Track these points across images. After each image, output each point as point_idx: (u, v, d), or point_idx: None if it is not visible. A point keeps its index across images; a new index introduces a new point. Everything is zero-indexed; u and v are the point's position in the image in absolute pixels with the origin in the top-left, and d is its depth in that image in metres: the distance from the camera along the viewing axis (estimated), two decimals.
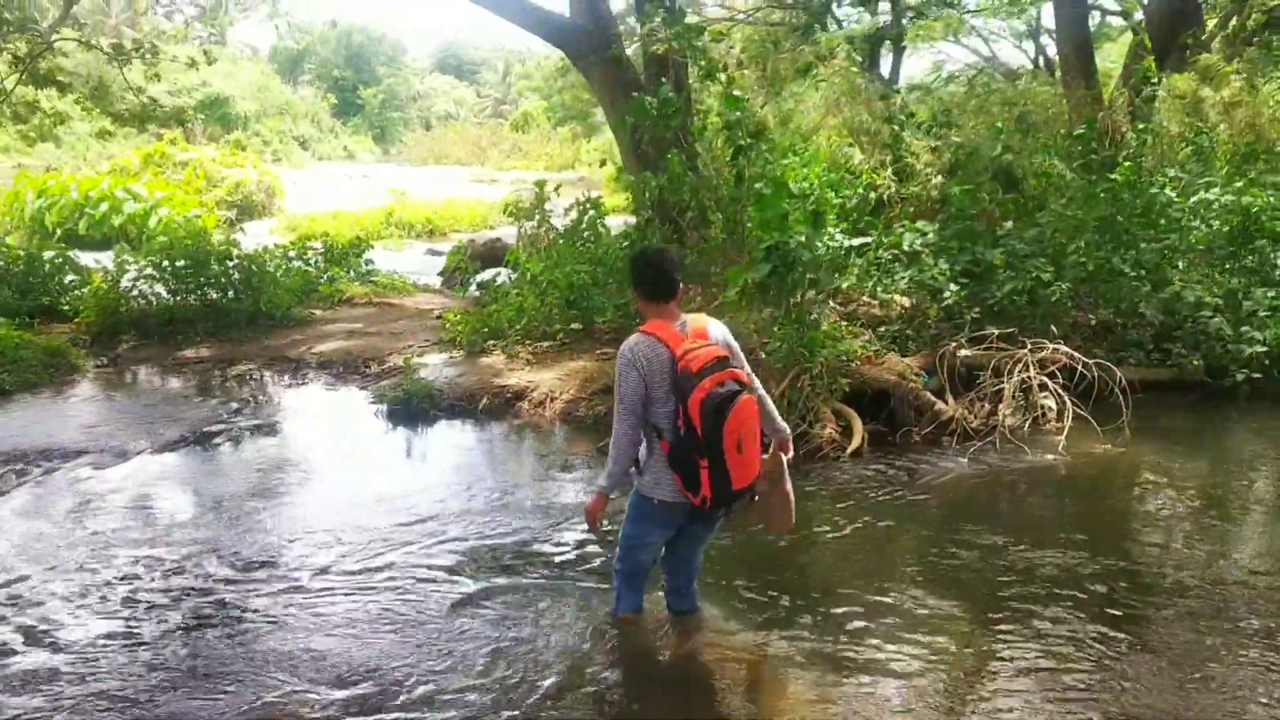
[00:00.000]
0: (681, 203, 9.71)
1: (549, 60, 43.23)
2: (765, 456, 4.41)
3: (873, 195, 11.36)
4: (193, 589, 5.19)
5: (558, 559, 5.57)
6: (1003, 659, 4.41)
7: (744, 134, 8.58)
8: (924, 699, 4.09)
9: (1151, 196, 9.86)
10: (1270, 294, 9.49)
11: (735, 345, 4.25)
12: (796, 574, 5.41)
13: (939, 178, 11.10)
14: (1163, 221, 9.82)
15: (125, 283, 11.74)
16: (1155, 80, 12.45)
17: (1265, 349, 8.85)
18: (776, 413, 4.43)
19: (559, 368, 9.32)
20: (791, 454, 4.47)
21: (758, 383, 4.35)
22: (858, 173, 11.52)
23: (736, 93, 8.93)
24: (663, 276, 4.10)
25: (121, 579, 5.30)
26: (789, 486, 4.45)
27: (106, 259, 12.48)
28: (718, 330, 4.20)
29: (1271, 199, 10.41)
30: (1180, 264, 9.69)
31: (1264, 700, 4.07)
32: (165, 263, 11.72)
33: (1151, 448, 7.63)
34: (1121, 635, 4.62)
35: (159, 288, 11.83)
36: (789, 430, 4.48)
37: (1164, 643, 4.57)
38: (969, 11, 22.65)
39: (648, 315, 4.14)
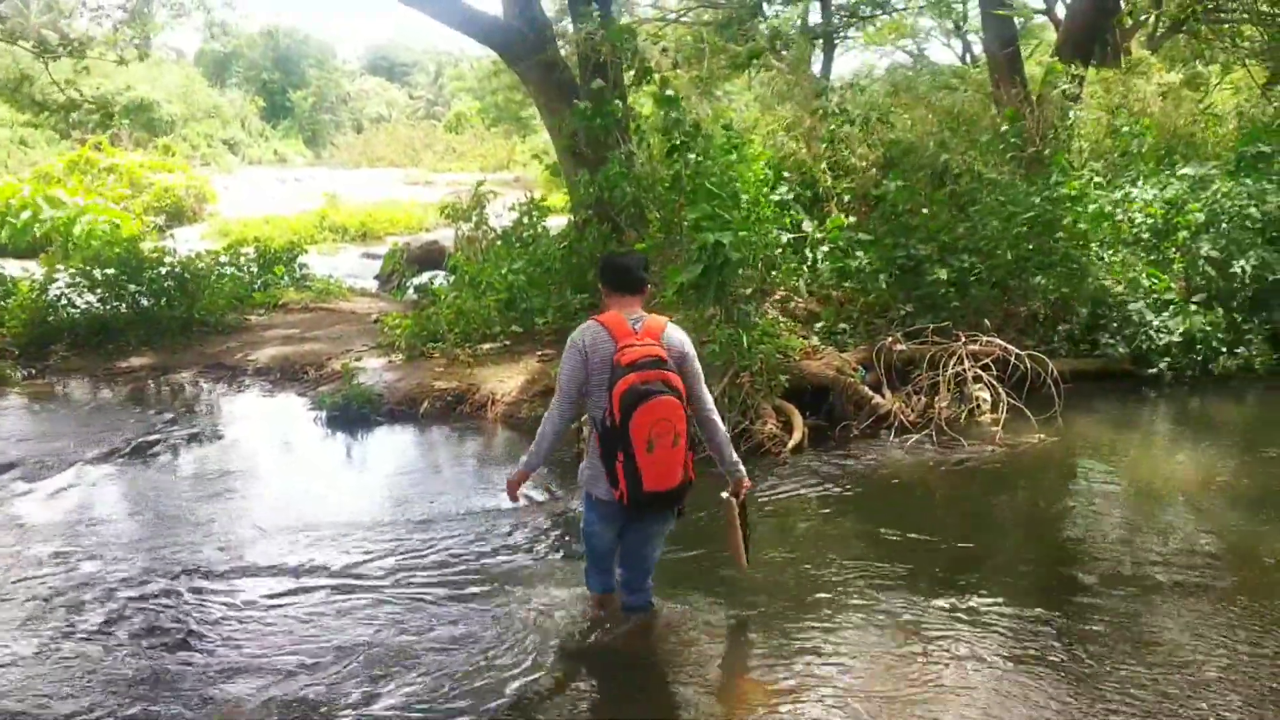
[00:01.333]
0: (618, 202, 9.73)
1: (482, 61, 42.91)
2: (724, 495, 4.47)
3: (809, 192, 11.44)
4: (112, 601, 5.07)
5: (495, 562, 5.55)
6: (944, 649, 4.48)
7: (680, 133, 8.63)
8: (869, 695, 4.15)
9: (1062, 196, 9.98)
10: (1193, 282, 9.78)
11: (693, 357, 4.24)
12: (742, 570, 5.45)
13: (873, 171, 11.22)
14: (1087, 213, 10.00)
15: (53, 291, 11.46)
16: (1067, 80, 12.68)
17: (1180, 339, 9.17)
18: (729, 448, 4.39)
19: (500, 370, 9.30)
20: (744, 495, 4.47)
21: (716, 415, 4.35)
22: (799, 165, 11.57)
23: (670, 93, 8.96)
24: (626, 273, 4.23)
25: (47, 597, 5.17)
26: (739, 528, 4.50)
27: (33, 267, 12.17)
28: (676, 336, 4.21)
29: (1187, 187, 10.70)
30: (1105, 256, 9.92)
31: (1208, 690, 4.21)
32: (96, 271, 11.48)
33: (1083, 436, 7.86)
34: (1061, 623, 4.74)
35: (89, 296, 11.56)
36: (743, 470, 4.45)
37: (1102, 630, 4.69)
38: (900, 10, 22.91)
39: (609, 308, 4.23)
